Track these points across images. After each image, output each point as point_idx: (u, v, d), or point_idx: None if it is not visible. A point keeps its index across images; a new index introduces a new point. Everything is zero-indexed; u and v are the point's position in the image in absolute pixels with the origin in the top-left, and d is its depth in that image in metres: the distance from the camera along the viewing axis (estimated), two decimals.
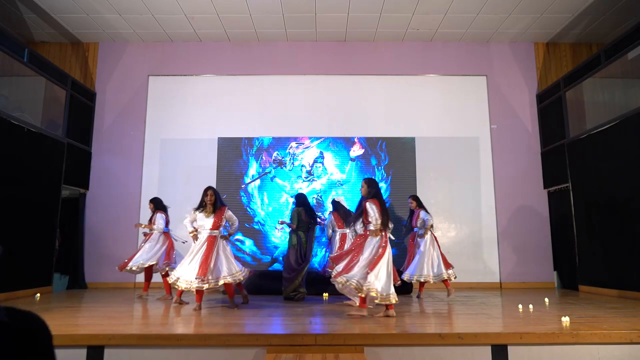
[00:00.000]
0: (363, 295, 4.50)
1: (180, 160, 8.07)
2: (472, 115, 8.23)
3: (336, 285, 4.94)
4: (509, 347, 3.47)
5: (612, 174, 6.29)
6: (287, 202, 7.27)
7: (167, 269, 6.01)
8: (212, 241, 5.01)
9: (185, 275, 4.85)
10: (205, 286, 4.79)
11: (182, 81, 8.35)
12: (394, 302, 4.40)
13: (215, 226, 5.07)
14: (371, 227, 4.59)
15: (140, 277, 6.98)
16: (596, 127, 6.69)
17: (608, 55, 6.60)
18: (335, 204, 6.52)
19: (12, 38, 6.74)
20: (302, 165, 7.43)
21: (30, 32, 8.00)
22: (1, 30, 6.47)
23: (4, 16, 7.41)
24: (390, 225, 4.79)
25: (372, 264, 4.46)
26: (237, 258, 6.99)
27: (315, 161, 7.45)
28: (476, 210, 7.91)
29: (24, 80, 7.00)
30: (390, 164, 7.37)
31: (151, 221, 6.24)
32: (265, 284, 6.71)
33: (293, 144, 7.52)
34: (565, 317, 3.95)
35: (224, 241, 5.17)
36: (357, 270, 4.50)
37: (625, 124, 6.07)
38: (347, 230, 6.12)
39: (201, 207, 5.17)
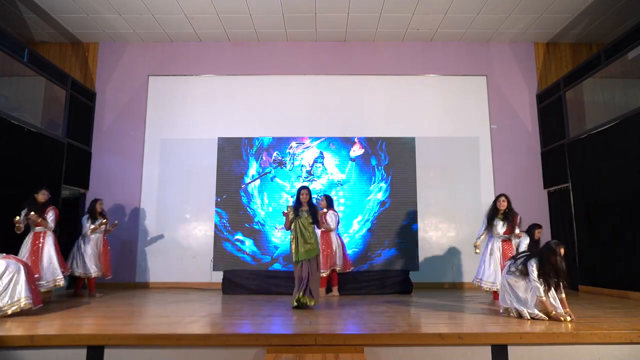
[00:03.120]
0: None
1: (180, 160, 8.06)
2: (472, 115, 8.22)
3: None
4: (509, 347, 3.47)
5: (612, 174, 6.29)
6: (287, 202, 7.26)
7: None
8: None
9: None
10: None
11: (182, 81, 8.35)
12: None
13: None
14: None
15: (140, 277, 7.02)
16: (596, 127, 6.69)
17: (608, 55, 6.60)
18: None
19: (12, 38, 6.74)
20: (302, 165, 7.43)
21: (30, 32, 8.00)
22: (1, 30, 6.47)
23: (4, 16, 7.41)
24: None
25: None
26: (237, 258, 7.05)
27: (315, 161, 7.45)
28: (476, 210, 7.90)
29: (24, 80, 7.00)
30: (390, 164, 7.37)
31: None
32: (265, 284, 6.71)
33: (293, 144, 7.51)
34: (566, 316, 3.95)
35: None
36: None
37: (625, 124, 6.07)
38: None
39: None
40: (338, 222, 6.60)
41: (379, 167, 7.38)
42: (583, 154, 6.98)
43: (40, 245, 5.59)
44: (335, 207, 6.80)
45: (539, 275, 4.10)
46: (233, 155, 7.41)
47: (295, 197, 5.60)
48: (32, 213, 5.47)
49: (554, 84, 7.89)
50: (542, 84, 8.27)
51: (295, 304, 5.12)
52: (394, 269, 6.93)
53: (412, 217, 7.16)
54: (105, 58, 8.41)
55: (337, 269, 6.44)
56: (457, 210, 7.90)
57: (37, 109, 7.38)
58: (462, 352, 3.48)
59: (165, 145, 8.13)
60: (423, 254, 7.55)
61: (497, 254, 5.64)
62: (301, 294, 5.13)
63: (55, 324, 4.02)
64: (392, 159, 7.39)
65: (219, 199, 7.25)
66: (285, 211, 5.47)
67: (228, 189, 7.29)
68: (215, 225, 7.20)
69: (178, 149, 8.10)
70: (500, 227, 5.62)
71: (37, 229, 5.62)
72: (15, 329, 3.71)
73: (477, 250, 5.78)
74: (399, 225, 7.12)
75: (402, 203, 7.24)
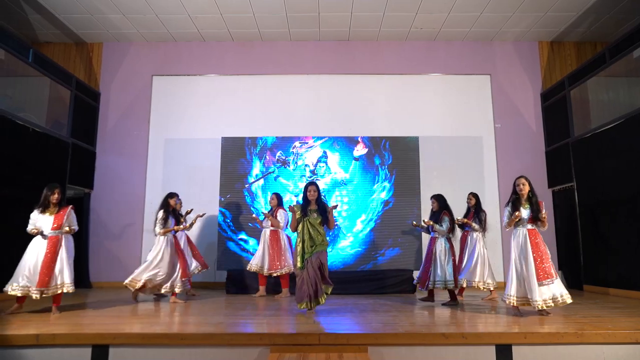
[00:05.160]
0: None
1: (184, 160, 8.09)
2: (476, 115, 8.20)
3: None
4: (513, 347, 3.46)
5: (617, 173, 6.26)
6: (291, 201, 7.27)
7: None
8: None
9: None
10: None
11: (186, 81, 8.37)
12: None
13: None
14: None
15: None
16: (601, 126, 6.65)
17: (613, 54, 6.57)
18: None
19: (17, 38, 6.78)
20: (306, 165, 7.43)
21: (35, 32, 8.04)
22: (6, 31, 6.51)
23: (9, 16, 7.45)
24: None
25: None
26: (240, 257, 7.06)
27: (318, 160, 7.45)
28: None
29: (29, 80, 7.04)
30: (393, 163, 7.36)
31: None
32: (269, 284, 6.71)
33: (297, 143, 7.51)
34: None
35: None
36: None
37: (630, 122, 6.03)
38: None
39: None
40: (287, 222, 6.44)
41: (383, 167, 7.38)
42: (588, 153, 6.95)
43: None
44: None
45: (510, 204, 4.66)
46: (237, 154, 7.43)
47: (302, 194, 5.04)
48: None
49: (558, 82, 7.86)
50: (547, 83, 8.23)
51: (308, 307, 4.69)
52: (398, 269, 6.93)
53: (416, 216, 7.14)
54: (109, 58, 8.43)
55: (286, 270, 6.29)
56: (461, 210, 7.85)
57: (42, 109, 7.42)
58: (465, 351, 3.47)
59: (169, 145, 8.16)
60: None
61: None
62: (312, 302, 4.68)
63: (60, 323, 4.04)
64: (396, 158, 7.38)
65: (222, 199, 7.26)
66: (292, 206, 4.98)
67: (232, 189, 7.31)
68: (219, 225, 7.22)
69: (182, 149, 8.12)
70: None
71: (175, 232, 5.81)
72: (20, 328, 3.73)
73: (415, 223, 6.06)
74: (403, 224, 7.11)
75: (405, 202, 7.23)
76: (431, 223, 5.55)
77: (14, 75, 6.80)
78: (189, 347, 3.49)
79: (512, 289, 4.48)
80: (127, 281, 5.50)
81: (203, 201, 7.86)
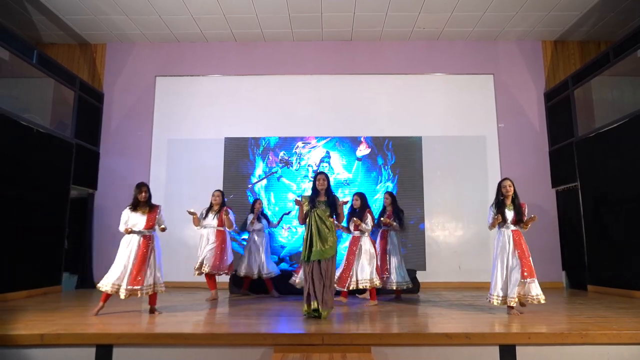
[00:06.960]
0: None
1: (187, 160, 8.10)
2: (479, 114, 8.18)
3: None
4: (517, 347, 3.45)
5: (622, 173, 6.23)
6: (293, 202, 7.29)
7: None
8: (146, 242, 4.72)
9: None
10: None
11: (189, 81, 8.39)
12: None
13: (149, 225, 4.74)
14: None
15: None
16: (605, 126, 6.63)
17: (617, 53, 6.54)
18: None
19: (21, 39, 6.80)
20: (309, 165, 7.44)
21: (39, 33, 8.07)
22: (10, 32, 6.53)
23: (13, 18, 7.48)
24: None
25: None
26: (244, 258, 7.06)
27: (321, 161, 7.46)
28: (483, 209, 7.84)
29: (33, 81, 7.07)
30: (397, 163, 7.36)
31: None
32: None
33: (299, 143, 7.52)
34: None
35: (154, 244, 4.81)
36: None
37: (634, 122, 6.01)
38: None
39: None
40: (233, 222, 6.28)
41: (386, 167, 7.38)
42: (592, 153, 6.92)
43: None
44: None
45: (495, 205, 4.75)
46: (240, 155, 7.45)
47: (312, 184, 4.73)
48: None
49: (562, 82, 7.83)
50: (550, 82, 8.21)
51: (313, 314, 4.37)
52: None
53: (419, 216, 7.15)
54: (112, 59, 8.46)
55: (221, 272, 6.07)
56: (464, 210, 7.86)
57: (46, 110, 7.45)
58: (469, 352, 3.47)
59: (173, 146, 8.17)
60: (430, 253, 7.52)
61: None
62: (316, 304, 4.33)
63: (64, 323, 4.05)
64: (399, 158, 7.39)
65: (226, 199, 7.27)
66: (299, 199, 4.64)
67: (235, 189, 7.32)
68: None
69: (185, 149, 8.14)
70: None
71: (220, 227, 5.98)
72: (25, 328, 3.75)
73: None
74: (406, 224, 7.11)
75: (408, 202, 7.23)
76: (359, 222, 5.42)
77: (18, 77, 6.84)
78: (193, 347, 3.50)
79: (497, 289, 4.60)
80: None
81: (206, 201, 7.87)
